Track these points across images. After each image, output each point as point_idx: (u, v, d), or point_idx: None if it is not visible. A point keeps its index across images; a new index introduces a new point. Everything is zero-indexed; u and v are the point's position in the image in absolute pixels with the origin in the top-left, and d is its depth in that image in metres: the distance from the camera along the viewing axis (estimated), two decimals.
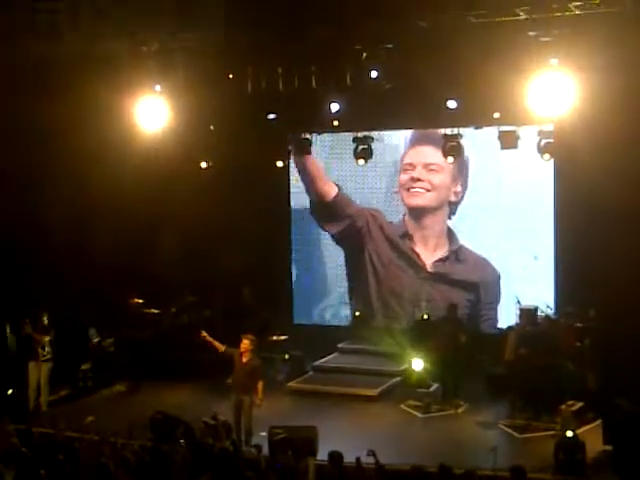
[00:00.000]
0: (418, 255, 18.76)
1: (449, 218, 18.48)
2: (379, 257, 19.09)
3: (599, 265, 15.50)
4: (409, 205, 18.73)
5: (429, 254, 18.69)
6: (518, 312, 15.87)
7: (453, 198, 18.39)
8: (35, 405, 15.35)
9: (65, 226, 17.50)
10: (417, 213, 18.73)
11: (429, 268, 18.64)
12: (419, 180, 18.48)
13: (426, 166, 18.36)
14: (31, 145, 16.77)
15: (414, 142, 18.57)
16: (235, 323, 17.07)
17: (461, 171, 18.15)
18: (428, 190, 18.49)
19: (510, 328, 15.65)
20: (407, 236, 18.87)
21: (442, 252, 18.57)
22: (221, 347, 13.76)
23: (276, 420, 13.50)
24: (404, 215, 18.88)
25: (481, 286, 18.12)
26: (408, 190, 18.63)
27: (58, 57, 15.10)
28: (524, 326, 15.20)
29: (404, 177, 18.68)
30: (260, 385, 13.36)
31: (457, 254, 18.36)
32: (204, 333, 13.84)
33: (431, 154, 17.94)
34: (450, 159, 16.42)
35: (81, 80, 15.64)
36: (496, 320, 17.73)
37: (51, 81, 15.75)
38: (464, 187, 18.26)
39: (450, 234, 18.47)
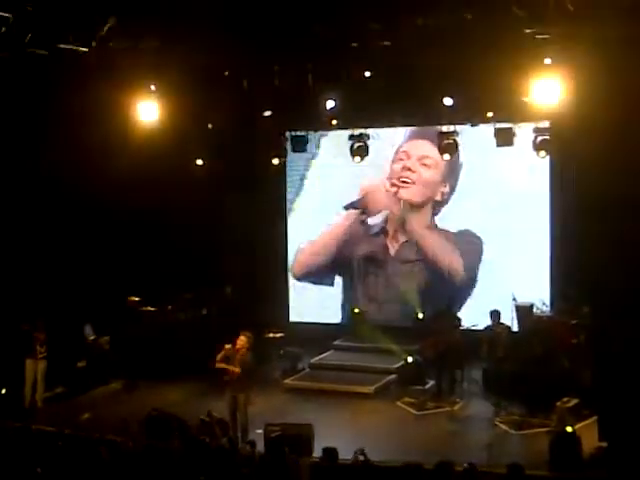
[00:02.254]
0: (387, 248, 18.82)
1: (432, 218, 18.51)
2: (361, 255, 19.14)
3: (595, 262, 15.52)
4: (396, 196, 18.70)
5: (402, 239, 18.81)
6: (514, 309, 15.97)
7: (438, 198, 18.39)
8: (31, 402, 15.33)
9: (61, 222, 17.48)
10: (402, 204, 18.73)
11: (393, 254, 18.75)
12: (409, 170, 18.48)
13: (420, 159, 18.39)
14: (30, 142, 16.79)
15: (414, 136, 18.54)
16: (230, 321, 17.15)
17: (452, 173, 18.16)
18: (415, 183, 18.46)
19: (487, 328, 15.63)
20: (384, 232, 18.89)
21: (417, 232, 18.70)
22: (236, 369, 13.55)
23: (272, 417, 13.52)
24: (388, 211, 18.90)
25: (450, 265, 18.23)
26: (398, 179, 18.60)
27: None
28: (496, 326, 15.24)
29: (397, 166, 18.68)
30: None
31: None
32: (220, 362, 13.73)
33: (428, 149, 17.97)
34: (446, 156, 16.45)
35: (83, 78, 15.67)
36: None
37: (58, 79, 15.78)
38: (452, 189, 18.27)
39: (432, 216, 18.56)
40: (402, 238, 18.81)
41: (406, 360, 16.15)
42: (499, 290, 17.43)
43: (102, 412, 14.41)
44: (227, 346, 13.58)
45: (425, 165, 18.36)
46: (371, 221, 19.00)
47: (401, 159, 18.62)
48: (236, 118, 17.19)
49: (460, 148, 16.58)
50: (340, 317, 19.46)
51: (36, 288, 16.44)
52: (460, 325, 15.97)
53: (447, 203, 18.37)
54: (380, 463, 11.02)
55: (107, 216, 18.30)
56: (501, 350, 14.78)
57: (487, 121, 16.16)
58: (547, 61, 13.36)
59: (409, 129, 18.59)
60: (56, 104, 16.35)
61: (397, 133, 18.69)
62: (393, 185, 18.64)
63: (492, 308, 15.70)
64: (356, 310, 18.87)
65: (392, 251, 18.82)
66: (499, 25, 13.44)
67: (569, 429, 12.20)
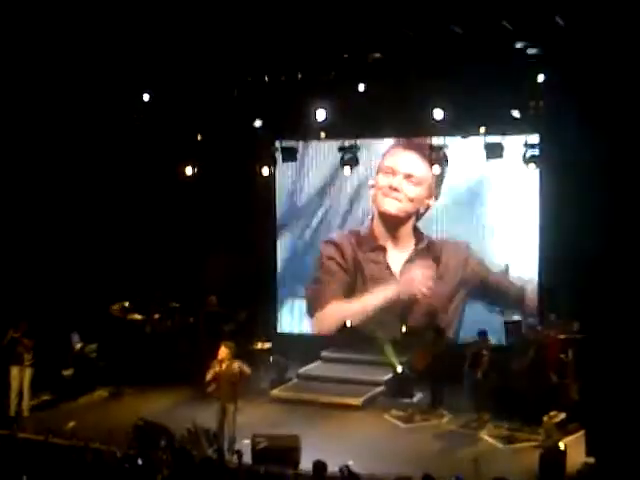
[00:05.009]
0: (389, 266, 18.66)
1: (415, 223, 18.45)
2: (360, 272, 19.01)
3: (584, 276, 15.48)
4: (380, 210, 18.62)
5: (398, 254, 18.61)
6: (503, 324, 15.96)
7: (422, 210, 18.29)
8: (17, 411, 15.23)
9: (48, 229, 17.42)
10: (385, 218, 18.64)
11: (397, 275, 18.52)
12: (396, 190, 18.29)
13: (407, 177, 18.17)
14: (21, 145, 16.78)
15: (399, 144, 18.38)
16: (217, 330, 17.11)
17: (438, 185, 18.01)
18: (401, 201, 18.38)
19: (475, 343, 15.61)
20: (379, 248, 18.77)
21: (408, 251, 18.49)
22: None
23: (259, 428, 13.47)
24: (371, 220, 18.77)
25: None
26: (383, 195, 18.50)
27: None
28: (482, 343, 15.21)
29: (383, 180, 18.47)
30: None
31: (426, 250, 18.27)
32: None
33: (414, 163, 17.87)
34: (436, 169, 16.44)
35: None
36: None
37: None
38: (435, 200, 18.18)
39: (416, 232, 18.40)
40: (399, 255, 18.69)
41: (395, 370, 16.10)
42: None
43: (88, 420, 14.29)
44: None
45: (412, 183, 18.22)
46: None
47: (387, 173, 18.46)
48: (226, 128, 17.17)
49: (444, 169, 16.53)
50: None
51: (23, 295, 16.36)
52: (443, 336, 15.93)
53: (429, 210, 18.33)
54: (369, 476, 11.00)
55: (95, 225, 18.24)
56: (481, 371, 14.70)
57: (477, 134, 16.14)
58: (537, 74, 13.43)
59: (392, 139, 18.45)
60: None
61: (381, 143, 18.56)
62: (378, 197, 18.59)
63: (480, 321, 15.64)
64: (347, 324, 18.76)
65: (393, 267, 18.69)
66: (489, 39, 13.51)
67: (562, 445, 12.17)
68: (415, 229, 18.41)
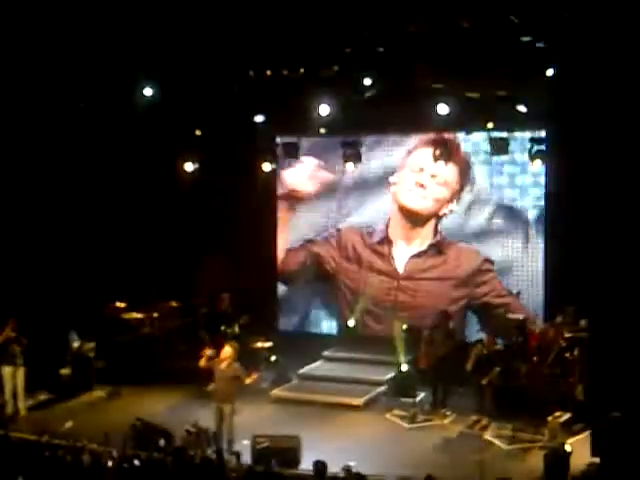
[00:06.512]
0: (393, 259, 18.46)
1: (435, 229, 18.22)
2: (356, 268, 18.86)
3: (591, 275, 15.39)
4: (401, 204, 18.35)
5: (406, 248, 18.39)
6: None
7: (442, 212, 18.07)
8: (13, 410, 15.07)
9: (46, 226, 17.32)
10: (406, 214, 18.40)
11: (400, 269, 18.35)
12: (422, 187, 17.96)
13: (434, 176, 17.81)
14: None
15: (430, 143, 17.82)
16: (217, 330, 16.96)
17: (461, 191, 17.76)
18: (426, 198, 18.15)
19: (479, 341, 15.44)
20: (385, 241, 18.55)
21: (418, 247, 18.28)
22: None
23: (259, 428, 13.33)
24: (389, 219, 18.58)
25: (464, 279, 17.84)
26: (408, 190, 18.23)
27: None
28: (490, 342, 15.04)
29: (409, 177, 18.12)
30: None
31: (437, 246, 18.07)
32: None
33: (443, 166, 17.54)
34: (440, 164, 16.27)
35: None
36: None
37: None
38: (457, 204, 17.94)
39: (434, 233, 18.16)
40: (406, 250, 18.46)
41: (400, 369, 15.91)
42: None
43: (85, 420, 14.19)
44: (208, 352, 13.36)
45: (439, 184, 17.87)
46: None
47: (414, 170, 18.11)
48: (227, 123, 17.05)
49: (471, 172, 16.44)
50: (333, 329, 19.18)
51: (20, 293, 16.26)
52: (453, 337, 15.76)
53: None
54: (372, 477, 10.83)
55: (94, 222, 18.15)
56: (488, 380, 14.50)
57: (482, 129, 15.98)
58: (545, 69, 13.30)
59: (419, 137, 18.08)
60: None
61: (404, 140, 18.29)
62: (401, 192, 18.31)
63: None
64: (350, 324, 18.57)
65: (396, 263, 18.48)
66: (496, 32, 13.37)
67: (567, 446, 12.00)
68: (434, 230, 18.17)
